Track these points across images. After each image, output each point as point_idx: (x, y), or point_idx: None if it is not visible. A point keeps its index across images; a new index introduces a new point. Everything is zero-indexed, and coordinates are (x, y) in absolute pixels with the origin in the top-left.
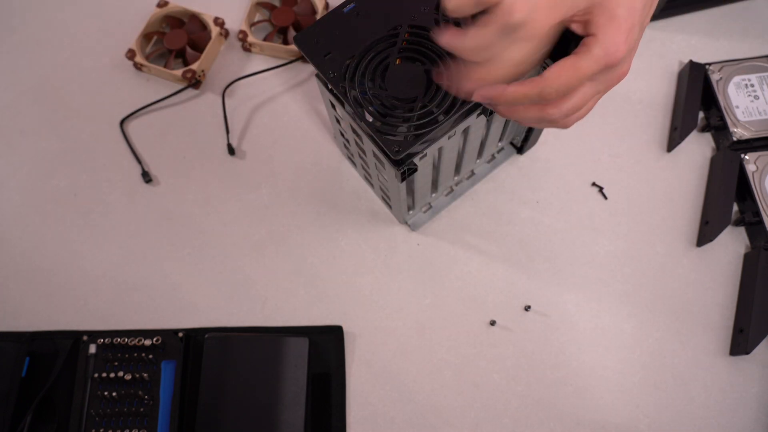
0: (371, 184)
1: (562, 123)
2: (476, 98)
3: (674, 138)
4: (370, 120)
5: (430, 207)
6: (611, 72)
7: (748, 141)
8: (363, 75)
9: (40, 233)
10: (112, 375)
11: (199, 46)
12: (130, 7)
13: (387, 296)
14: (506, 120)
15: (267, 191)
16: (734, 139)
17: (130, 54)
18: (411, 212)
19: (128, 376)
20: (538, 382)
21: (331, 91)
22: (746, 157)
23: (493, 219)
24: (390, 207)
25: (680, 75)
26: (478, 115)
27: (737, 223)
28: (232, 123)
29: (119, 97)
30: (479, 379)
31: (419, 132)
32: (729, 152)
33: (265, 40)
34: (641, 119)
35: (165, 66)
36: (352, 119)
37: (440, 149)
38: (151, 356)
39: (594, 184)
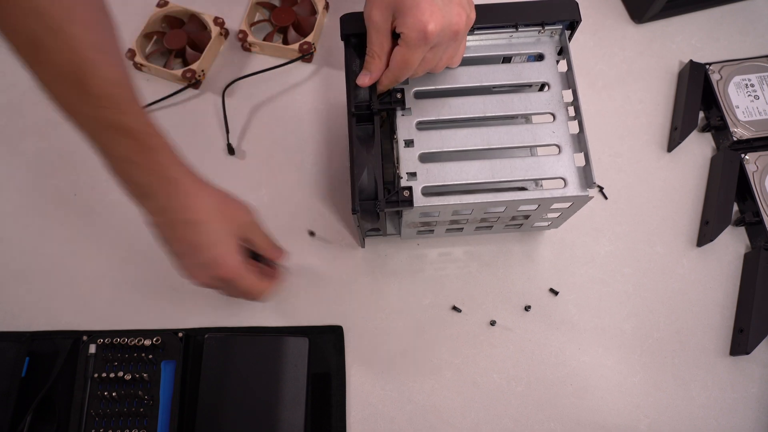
0: None
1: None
2: None
3: (674, 138)
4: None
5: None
6: None
7: (748, 141)
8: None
9: (40, 233)
10: (112, 375)
11: (199, 46)
12: (130, 7)
13: (387, 296)
14: None
15: (267, 191)
16: (734, 139)
17: (130, 54)
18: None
19: (128, 376)
20: (538, 382)
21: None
22: (746, 157)
23: None
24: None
25: (680, 75)
26: None
27: (737, 223)
28: (232, 123)
29: None
30: (479, 379)
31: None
32: (729, 152)
33: (265, 39)
34: (641, 119)
35: (165, 66)
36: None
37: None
38: (151, 356)
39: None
